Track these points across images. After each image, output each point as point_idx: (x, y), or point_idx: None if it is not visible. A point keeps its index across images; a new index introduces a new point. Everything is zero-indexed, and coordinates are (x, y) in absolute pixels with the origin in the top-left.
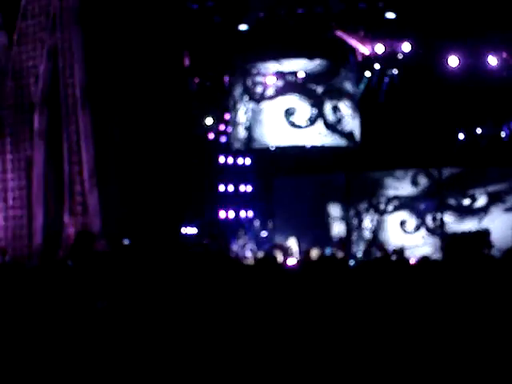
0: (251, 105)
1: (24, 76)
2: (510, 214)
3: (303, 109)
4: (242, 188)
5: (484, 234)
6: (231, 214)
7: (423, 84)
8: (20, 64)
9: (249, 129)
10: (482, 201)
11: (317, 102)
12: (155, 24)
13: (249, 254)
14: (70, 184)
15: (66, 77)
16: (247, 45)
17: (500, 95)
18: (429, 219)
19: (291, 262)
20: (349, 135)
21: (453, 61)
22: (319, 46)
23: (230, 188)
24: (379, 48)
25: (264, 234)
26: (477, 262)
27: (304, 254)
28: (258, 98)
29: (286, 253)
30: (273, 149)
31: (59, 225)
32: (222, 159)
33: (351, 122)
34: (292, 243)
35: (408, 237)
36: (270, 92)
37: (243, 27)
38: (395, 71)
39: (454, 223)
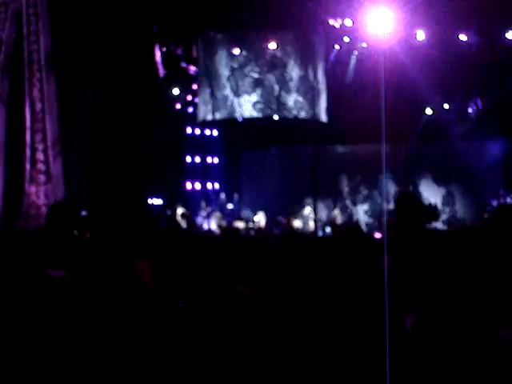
0: None
1: None
2: None
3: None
4: (209, 160)
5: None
6: (198, 186)
7: (391, 58)
8: None
9: None
10: None
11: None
12: None
13: (213, 225)
14: (32, 152)
15: (31, 42)
16: (217, 14)
17: (469, 71)
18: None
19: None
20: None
21: (420, 35)
22: (288, 17)
23: (197, 159)
24: (348, 22)
25: (230, 206)
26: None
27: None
28: None
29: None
30: (240, 120)
31: (19, 194)
32: (189, 130)
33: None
34: (260, 218)
35: None
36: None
37: None
38: (364, 45)
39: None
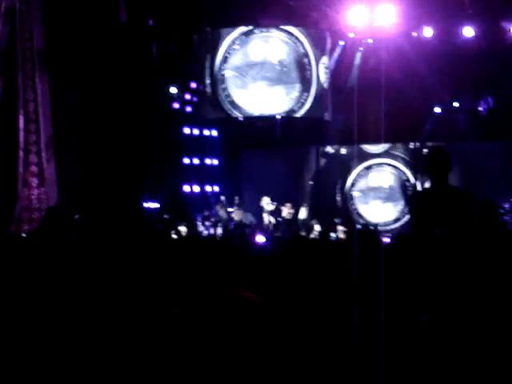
0: None
1: None
2: None
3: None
4: (208, 161)
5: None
6: (196, 189)
7: (398, 55)
8: None
9: None
10: None
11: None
12: None
13: (218, 230)
14: (25, 154)
15: (24, 40)
16: (215, 8)
17: (477, 68)
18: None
19: (260, 239)
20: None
21: (427, 31)
22: (292, 13)
23: (196, 161)
24: (353, 17)
25: (231, 209)
26: None
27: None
28: None
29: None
30: (241, 119)
31: (12, 197)
32: (187, 130)
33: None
34: (265, 202)
35: None
36: None
37: None
38: (370, 41)
39: None
